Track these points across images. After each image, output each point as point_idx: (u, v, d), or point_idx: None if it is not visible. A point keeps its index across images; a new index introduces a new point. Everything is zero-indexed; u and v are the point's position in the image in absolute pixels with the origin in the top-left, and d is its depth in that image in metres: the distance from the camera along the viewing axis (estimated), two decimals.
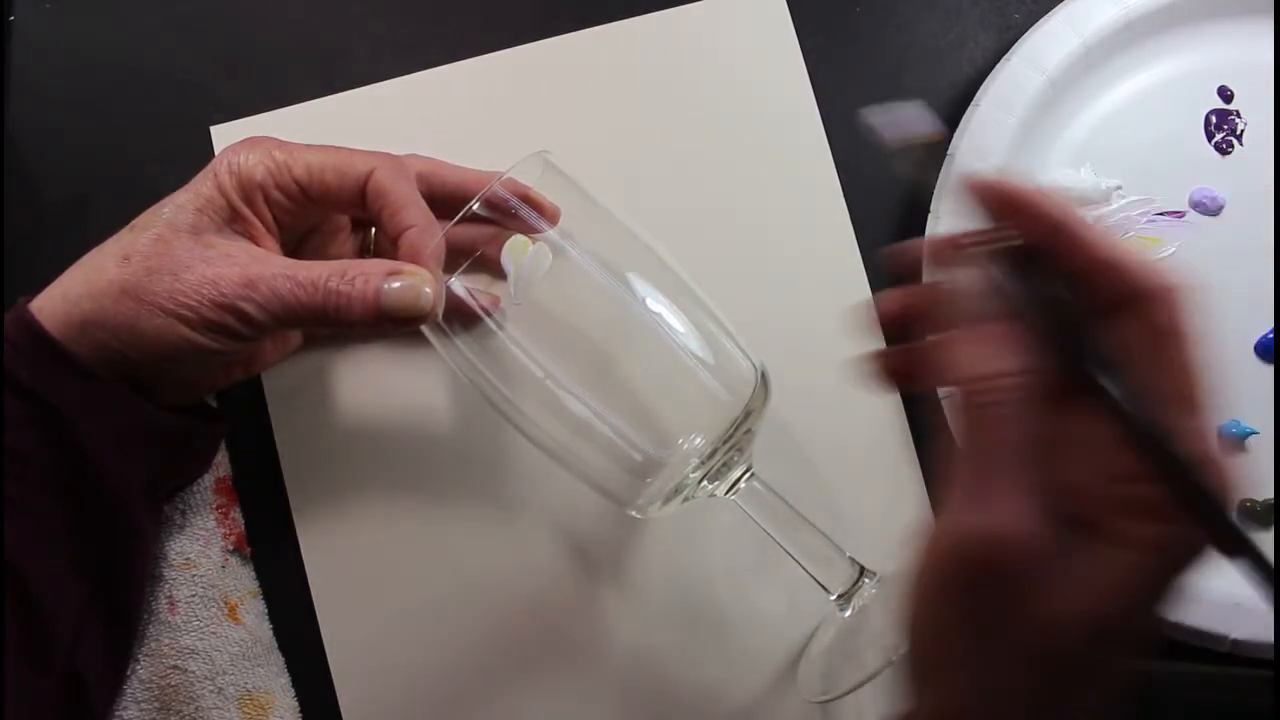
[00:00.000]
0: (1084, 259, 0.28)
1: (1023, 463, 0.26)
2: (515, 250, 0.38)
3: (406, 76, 0.49)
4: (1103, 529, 0.27)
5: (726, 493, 0.41)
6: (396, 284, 0.38)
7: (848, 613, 0.42)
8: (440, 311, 0.39)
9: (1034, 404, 0.27)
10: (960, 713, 0.28)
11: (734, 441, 0.39)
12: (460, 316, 0.39)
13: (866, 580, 0.42)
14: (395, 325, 0.38)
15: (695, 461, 0.39)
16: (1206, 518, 0.26)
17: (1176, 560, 0.27)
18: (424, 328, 0.40)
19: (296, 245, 0.44)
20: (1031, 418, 0.27)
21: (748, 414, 0.39)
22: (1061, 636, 0.26)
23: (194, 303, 0.37)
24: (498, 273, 0.40)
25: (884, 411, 0.48)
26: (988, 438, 0.27)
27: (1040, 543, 0.26)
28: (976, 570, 0.26)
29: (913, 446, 0.48)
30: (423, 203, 0.40)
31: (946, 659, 0.28)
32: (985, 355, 0.27)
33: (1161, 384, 0.27)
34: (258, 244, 0.40)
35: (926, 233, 0.47)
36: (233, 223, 0.39)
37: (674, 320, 0.39)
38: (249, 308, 0.37)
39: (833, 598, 0.42)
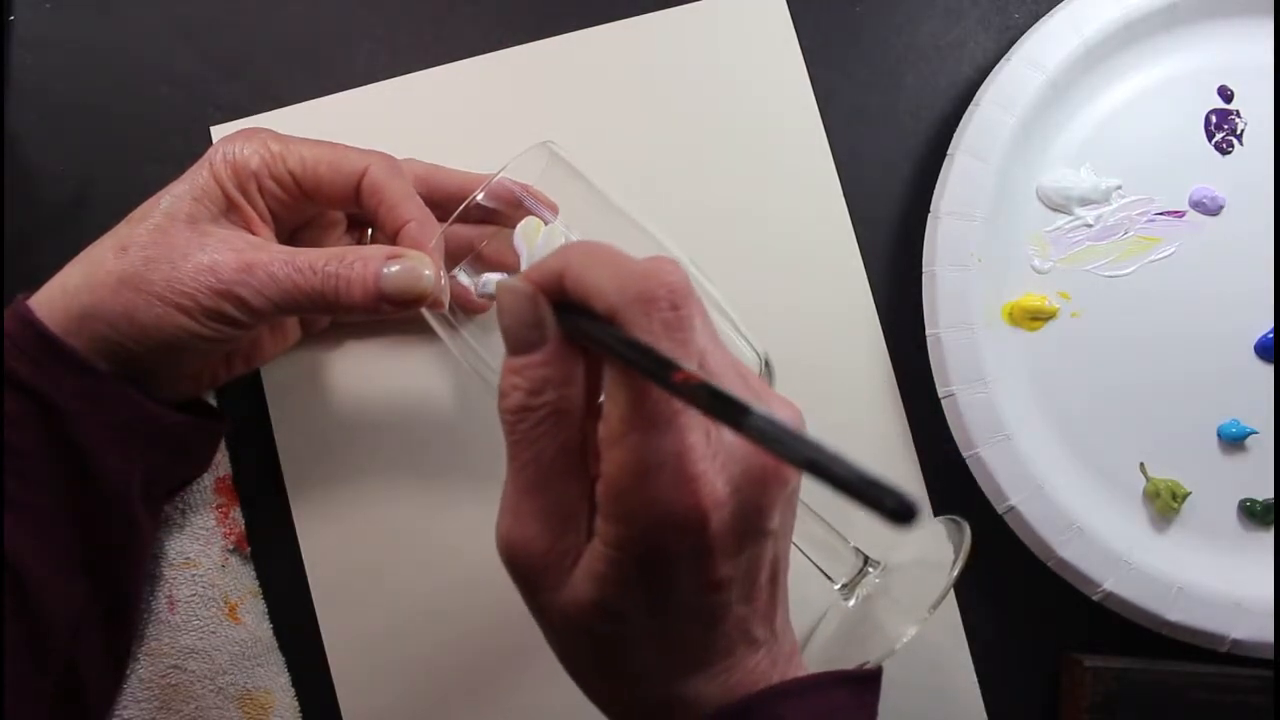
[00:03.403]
0: (581, 289, 0.29)
1: (534, 481, 0.30)
2: (528, 232, 0.38)
3: (406, 76, 0.49)
4: (595, 526, 0.30)
5: None
6: (396, 267, 0.38)
7: (851, 602, 0.42)
8: (446, 300, 0.39)
9: (565, 420, 0.30)
10: (553, 645, 0.33)
11: None
12: (465, 306, 0.39)
13: (870, 570, 0.42)
14: (396, 307, 0.38)
15: None
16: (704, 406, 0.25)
17: (638, 556, 0.29)
18: (429, 317, 0.40)
19: (289, 239, 0.43)
20: (556, 435, 0.30)
21: None
22: (575, 619, 0.31)
23: (191, 290, 0.37)
24: (497, 271, 0.40)
25: (885, 404, 0.48)
26: (513, 458, 0.31)
27: (539, 550, 0.30)
28: (509, 571, 0.31)
29: (911, 437, 0.48)
30: (419, 199, 0.40)
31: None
32: (510, 387, 0.30)
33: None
34: (253, 234, 0.40)
35: (927, 232, 0.47)
36: (228, 213, 0.39)
37: None
38: (246, 293, 0.37)
39: (837, 587, 0.42)
